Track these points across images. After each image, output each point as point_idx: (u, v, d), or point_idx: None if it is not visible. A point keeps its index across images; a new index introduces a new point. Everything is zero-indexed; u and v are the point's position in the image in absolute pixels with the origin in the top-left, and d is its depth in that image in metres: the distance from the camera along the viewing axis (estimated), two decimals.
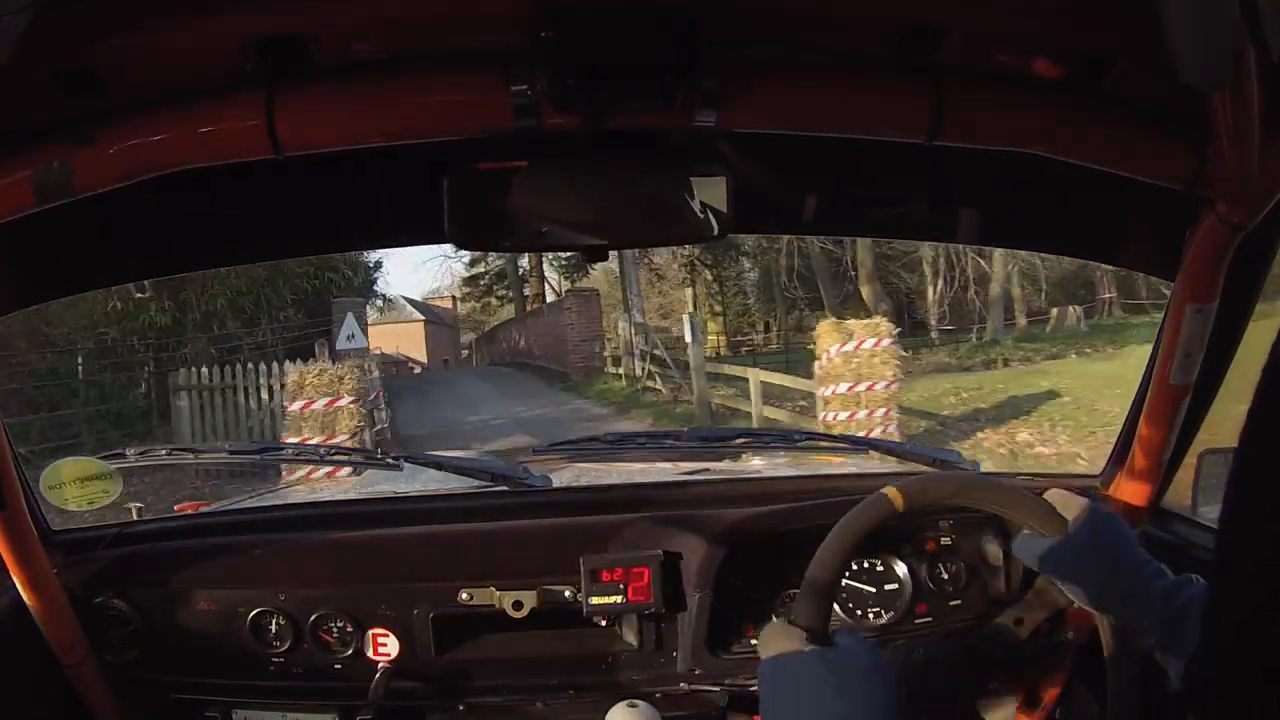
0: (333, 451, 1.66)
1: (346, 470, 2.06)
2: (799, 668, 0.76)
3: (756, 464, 1.78)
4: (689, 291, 21.97)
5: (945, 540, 1.27)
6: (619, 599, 1.23)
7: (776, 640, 0.79)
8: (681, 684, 1.25)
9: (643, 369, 14.07)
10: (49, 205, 0.82)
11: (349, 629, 1.24)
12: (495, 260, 27.32)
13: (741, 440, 1.71)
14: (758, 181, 0.99)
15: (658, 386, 13.35)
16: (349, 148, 0.86)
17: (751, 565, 1.26)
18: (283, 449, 1.89)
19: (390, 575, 1.26)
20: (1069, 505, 0.95)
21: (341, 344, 11.25)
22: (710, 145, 0.95)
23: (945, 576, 1.27)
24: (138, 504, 1.41)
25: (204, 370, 10.68)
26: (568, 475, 1.65)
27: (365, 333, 11.86)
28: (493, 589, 1.23)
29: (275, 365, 10.65)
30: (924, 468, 1.48)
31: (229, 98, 0.80)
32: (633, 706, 1.15)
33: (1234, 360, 1.11)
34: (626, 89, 0.79)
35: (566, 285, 25.59)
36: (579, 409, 13.16)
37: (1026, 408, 9.46)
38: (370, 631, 1.24)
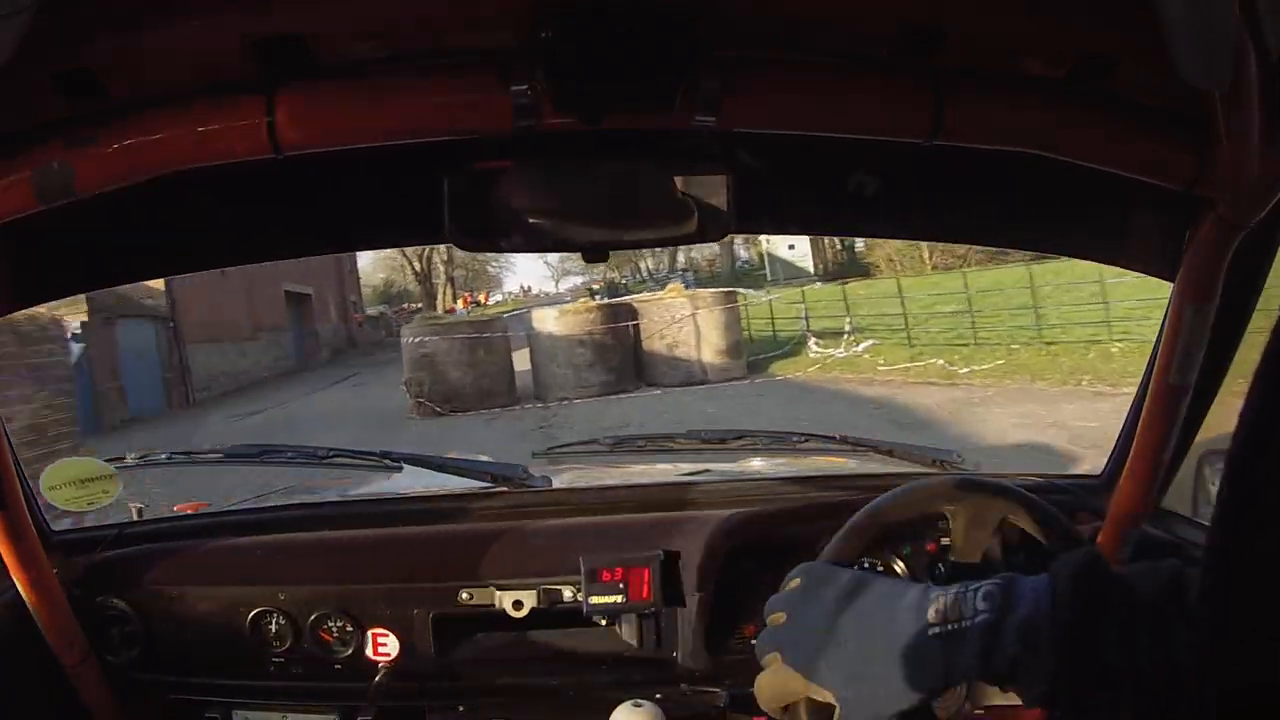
0: (333, 453, 1.65)
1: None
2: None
3: (756, 464, 1.78)
4: None
5: (945, 541, 1.27)
6: (619, 599, 1.23)
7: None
8: (681, 684, 1.25)
9: None
10: (49, 205, 0.82)
11: (349, 629, 1.24)
12: None
13: (741, 441, 1.71)
14: (758, 181, 0.99)
15: None
16: (349, 148, 0.86)
17: (751, 565, 1.25)
18: (283, 451, 1.89)
19: (390, 575, 1.26)
20: (818, 674, 0.72)
21: None
22: (710, 145, 0.95)
23: (946, 576, 1.27)
24: (138, 504, 1.41)
25: None
26: (568, 476, 1.65)
27: None
28: (493, 589, 1.23)
29: None
30: (923, 468, 1.48)
31: (229, 98, 0.80)
32: (638, 706, 1.15)
33: (1234, 360, 1.11)
34: (626, 89, 0.79)
35: None
36: None
37: None
38: (370, 631, 1.24)
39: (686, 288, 16.86)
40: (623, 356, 13.63)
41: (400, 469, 1.55)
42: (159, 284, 15.63)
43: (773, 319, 17.24)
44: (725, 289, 16.54)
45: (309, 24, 0.75)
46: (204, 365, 16.62)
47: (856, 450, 1.66)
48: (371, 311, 30.91)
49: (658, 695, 1.23)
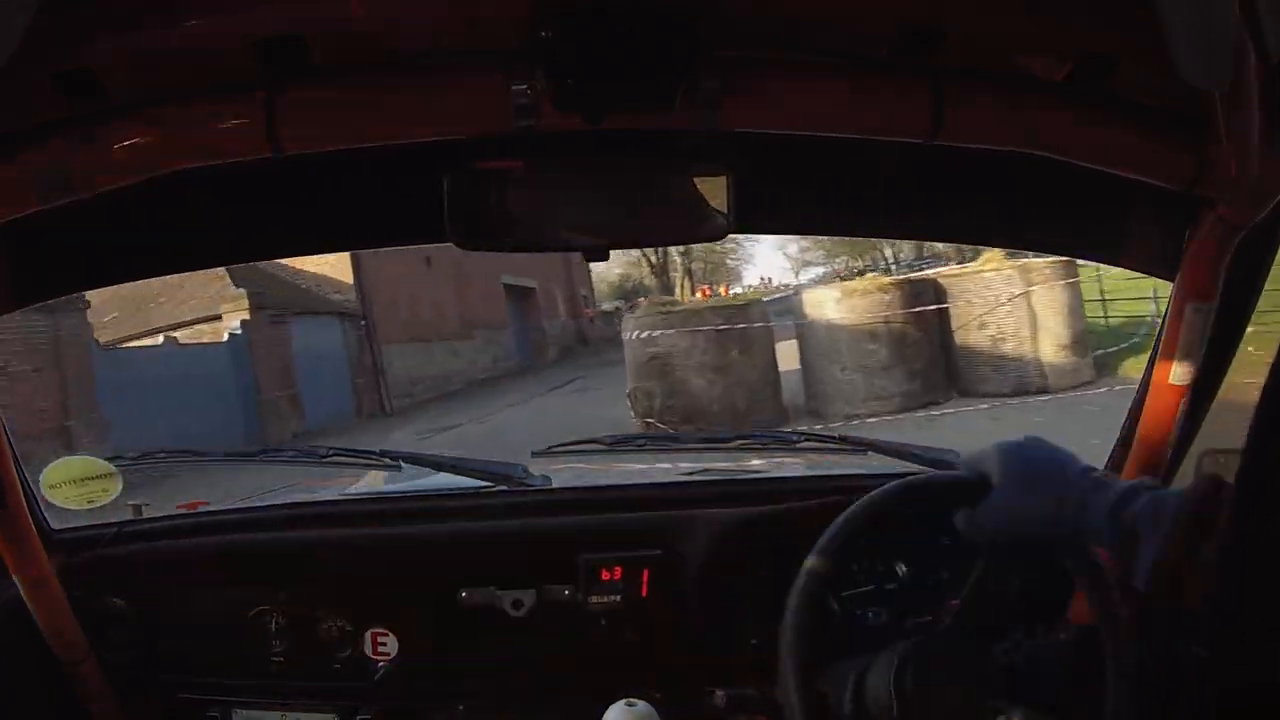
0: (333, 452, 1.65)
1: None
2: None
3: (756, 464, 1.78)
4: None
5: (945, 540, 1.27)
6: (619, 598, 1.23)
7: None
8: (681, 684, 1.25)
9: None
10: (49, 205, 0.82)
11: (349, 629, 1.24)
12: None
13: (741, 440, 1.71)
14: (758, 181, 0.99)
15: None
16: (349, 148, 0.86)
17: (751, 565, 1.25)
18: (281, 450, 1.89)
19: (390, 575, 1.26)
20: (985, 458, 0.89)
21: None
22: (710, 145, 0.95)
23: (945, 576, 1.27)
24: (138, 503, 1.41)
25: None
26: (567, 475, 1.65)
27: None
28: (493, 589, 1.23)
29: None
30: (923, 468, 1.48)
31: (229, 98, 0.80)
32: (631, 706, 1.15)
33: (1233, 360, 1.11)
34: (626, 89, 0.79)
35: None
36: None
37: None
38: (370, 631, 1.24)
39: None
40: (930, 355, 9.57)
41: (399, 468, 1.55)
42: (347, 278, 13.72)
43: (1104, 300, 12.41)
44: (1061, 258, 10.39)
45: (309, 24, 0.75)
46: (404, 368, 14.36)
47: (857, 450, 1.66)
48: (606, 307, 27.37)
49: (657, 695, 1.23)
